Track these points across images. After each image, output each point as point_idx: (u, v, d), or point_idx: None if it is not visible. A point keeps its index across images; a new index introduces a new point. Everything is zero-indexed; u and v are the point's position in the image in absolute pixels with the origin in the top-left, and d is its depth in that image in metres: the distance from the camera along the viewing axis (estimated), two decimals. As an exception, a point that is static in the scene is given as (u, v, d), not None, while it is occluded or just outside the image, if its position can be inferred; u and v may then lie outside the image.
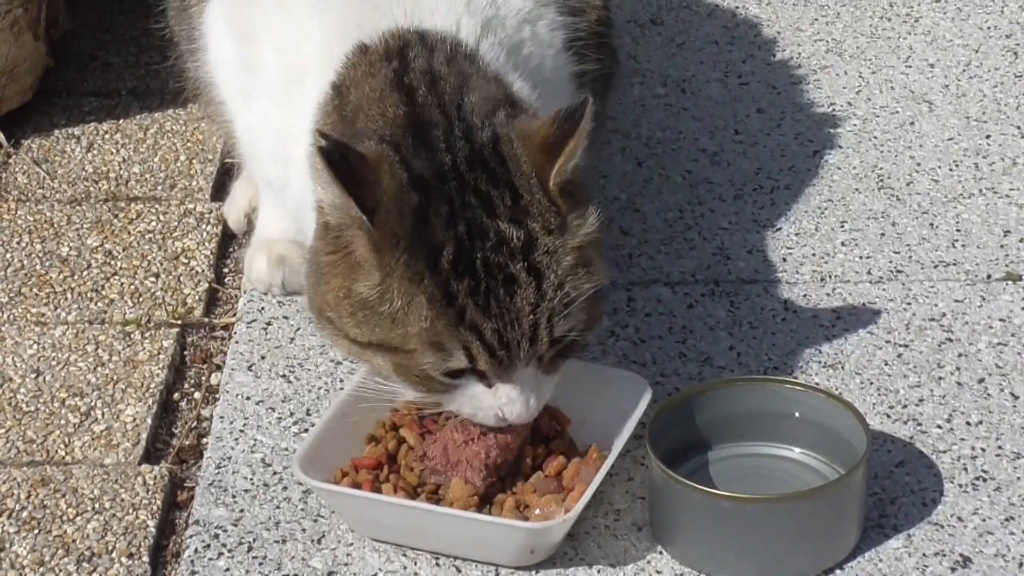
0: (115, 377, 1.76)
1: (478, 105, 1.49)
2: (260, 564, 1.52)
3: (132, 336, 1.82)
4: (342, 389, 1.66)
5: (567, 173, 1.46)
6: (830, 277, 1.87)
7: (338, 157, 1.41)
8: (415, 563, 1.51)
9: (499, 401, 1.47)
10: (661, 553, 1.52)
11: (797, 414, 1.58)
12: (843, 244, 1.92)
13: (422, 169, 1.45)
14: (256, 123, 1.69)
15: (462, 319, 1.43)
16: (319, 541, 1.54)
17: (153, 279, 1.91)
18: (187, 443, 1.71)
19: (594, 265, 1.48)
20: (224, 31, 1.72)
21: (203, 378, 1.79)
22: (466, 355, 1.44)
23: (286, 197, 1.70)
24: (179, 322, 1.85)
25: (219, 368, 1.79)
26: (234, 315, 1.86)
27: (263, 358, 1.77)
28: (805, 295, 1.84)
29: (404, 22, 1.55)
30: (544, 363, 1.48)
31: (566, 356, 1.50)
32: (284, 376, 1.74)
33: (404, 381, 1.48)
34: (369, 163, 1.43)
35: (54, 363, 1.78)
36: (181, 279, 1.91)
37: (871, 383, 1.71)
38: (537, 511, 1.49)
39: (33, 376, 1.76)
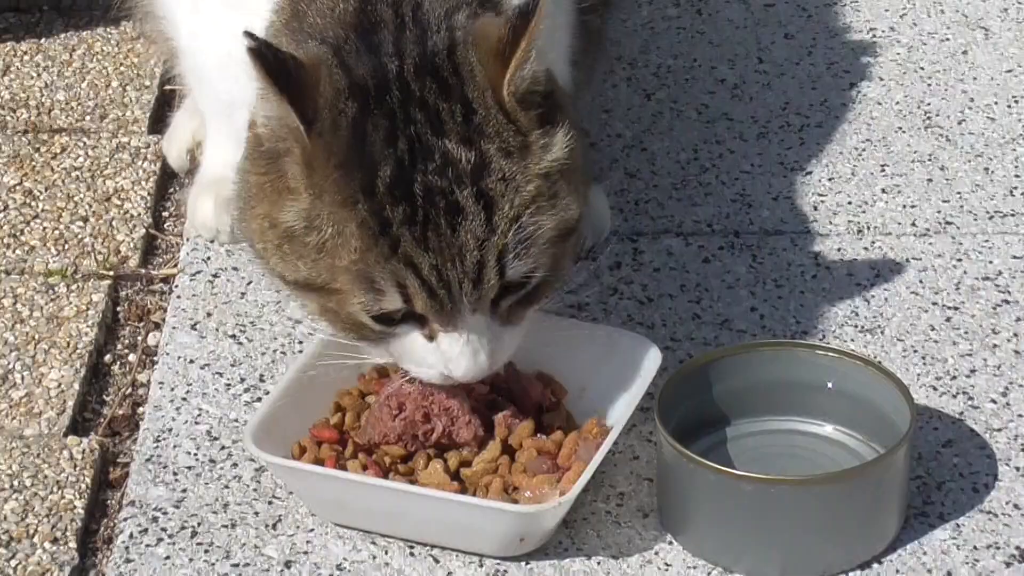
0: (37, 336, 1.77)
1: (437, 4, 1.48)
2: (206, 552, 1.52)
3: (56, 289, 1.83)
4: (301, 352, 1.67)
5: (523, 81, 1.46)
6: (868, 229, 1.88)
7: (271, 59, 1.41)
8: (385, 552, 1.52)
9: (443, 355, 1.46)
10: (671, 543, 1.53)
11: (830, 385, 1.59)
12: (884, 191, 1.93)
13: (363, 75, 1.45)
14: (204, 29, 1.69)
15: (395, 251, 1.43)
16: (274, 526, 1.55)
17: (81, 223, 1.92)
18: (120, 412, 1.72)
19: (562, 197, 1.47)
20: None
21: (139, 338, 1.80)
22: (400, 294, 1.44)
23: (237, 120, 1.69)
24: (111, 273, 1.86)
25: (157, 327, 1.80)
26: (175, 266, 1.87)
27: (209, 315, 1.77)
28: (839, 249, 1.85)
29: None
30: (501, 311, 1.47)
31: (530, 304, 1.49)
32: (233, 336, 1.75)
33: (333, 327, 1.49)
34: (306, 68, 1.43)
35: (-35, 319, 1.80)
36: (113, 224, 1.92)
37: (915, 350, 1.72)
38: (528, 493, 1.49)
39: (-59, 334, 1.79)
